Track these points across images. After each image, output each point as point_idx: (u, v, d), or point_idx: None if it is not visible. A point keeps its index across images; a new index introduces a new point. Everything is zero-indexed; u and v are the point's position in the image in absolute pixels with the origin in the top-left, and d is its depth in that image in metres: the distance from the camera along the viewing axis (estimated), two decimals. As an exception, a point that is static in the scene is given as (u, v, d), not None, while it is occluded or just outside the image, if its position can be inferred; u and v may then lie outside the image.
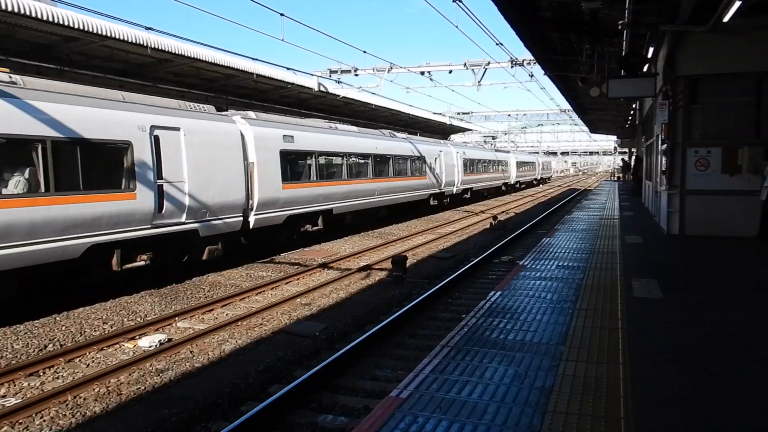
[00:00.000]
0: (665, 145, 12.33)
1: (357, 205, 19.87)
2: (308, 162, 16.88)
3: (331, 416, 5.76)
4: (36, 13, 12.24)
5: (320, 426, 5.56)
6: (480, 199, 37.39)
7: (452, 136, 49.73)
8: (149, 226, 10.88)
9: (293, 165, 16.03)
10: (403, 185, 23.68)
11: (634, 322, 5.85)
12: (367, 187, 20.41)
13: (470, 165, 33.64)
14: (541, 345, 5.16)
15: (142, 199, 10.63)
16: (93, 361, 7.66)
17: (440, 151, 28.20)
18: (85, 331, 8.81)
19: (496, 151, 45.10)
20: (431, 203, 27.46)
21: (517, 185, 50.71)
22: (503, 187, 44.67)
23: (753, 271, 8.90)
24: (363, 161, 20.73)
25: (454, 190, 30.48)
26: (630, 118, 30.71)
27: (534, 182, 61.18)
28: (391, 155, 22.58)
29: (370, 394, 6.24)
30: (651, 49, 13.53)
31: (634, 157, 32.58)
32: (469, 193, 34.12)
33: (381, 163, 21.78)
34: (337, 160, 18.92)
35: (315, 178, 16.95)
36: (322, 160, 17.63)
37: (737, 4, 8.84)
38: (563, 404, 3.91)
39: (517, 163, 49.65)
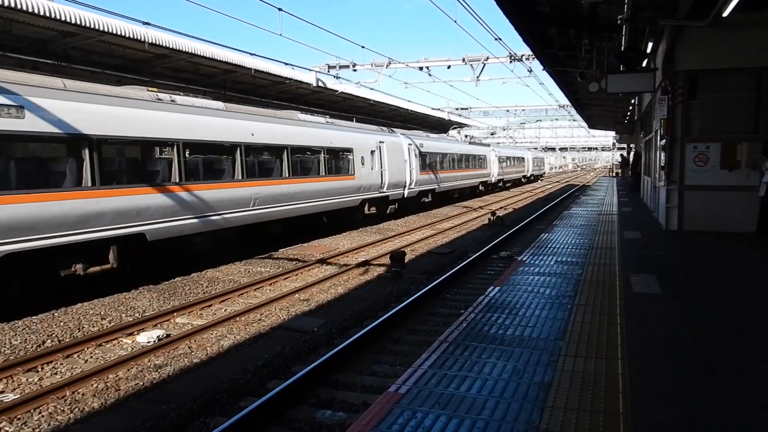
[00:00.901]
0: (664, 141, 12.32)
1: (201, 226, 12.44)
2: None
3: (330, 411, 5.75)
4: (33, 8, 12.18)
5: (319, 421, 5.55)
6: (449, 202, 31.56)
7: (450, 132, 49.66)
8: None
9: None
10: (310, 189, 16.76)
11: (633, 317, 5.85)
12: (226, 195, 13.20)
13: (430, 161, 27.09)
14: (539, 340, 5.16)
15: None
16: (91, 357, 7.65)
17: (380, 142, 21.47)
18: (83, 327, 8.81)
19: (470, 143, 38.18)
20: (366, 212, 21.59)
21: (501, 184, 44.75)
22: (481, 187, 38.30)
23: (751, 267, 8.90)
24: (219, 155, 13.68)
25: (405, 193, 23.82)
26: (629, 113, 30.67)
27: (523, 180, 55.79)
28: (286, 146, 15.76)
29: (369, 390, 6.24)
30: (650, 44, 13.52)
31: (632, 153, 32.53)
32: (429, 196, 28.26)
33: (262, 156, 15.17)
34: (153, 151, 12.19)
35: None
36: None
37: (736, -1, 8.83)
38: (562, 399, 3.91)
39: (499, 158, 43.31)
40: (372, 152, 20.76)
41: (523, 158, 55.08)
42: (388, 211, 22.88)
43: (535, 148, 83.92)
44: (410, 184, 24.13)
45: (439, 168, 28.42)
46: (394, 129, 24.66)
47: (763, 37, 10.92)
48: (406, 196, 23.99)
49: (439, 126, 43.93)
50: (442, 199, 30.62)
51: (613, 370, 4.43)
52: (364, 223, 20.90)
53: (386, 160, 21.72)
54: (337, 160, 18.72)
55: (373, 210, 22.39)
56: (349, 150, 19.28)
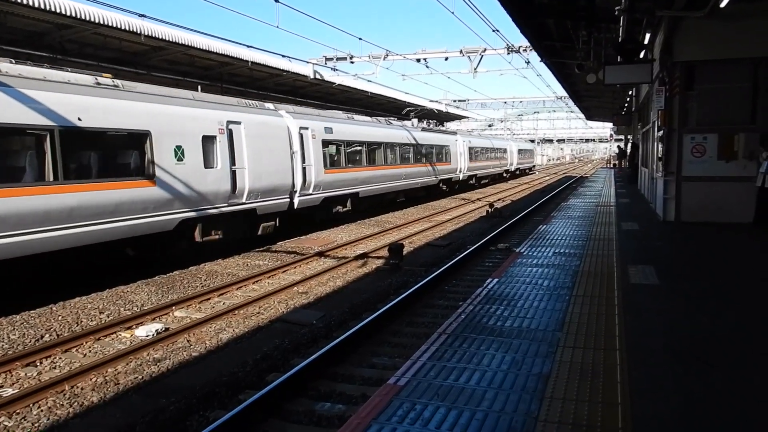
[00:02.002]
0: (661, 132, 12.31)
1: None
2: None
3: (329, 404, 5.77)
4: (28, 0, 12.12)
5: (318, 413, 5.57)
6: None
7: (447, 124, 49.58)
8: None
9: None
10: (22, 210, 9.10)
11: (631, 308, 5.86)
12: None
13: (348, 153, 19.62)
14: (538, 331, 5.17)
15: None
16: (90, 351, 7.65)
17: (231, 123, 13.66)
18: (81, 321, 8.81)
19: (426, 130, 29.02)
20: (200, 238, 12.88)
21: (472, 181, 36.78)
22: (444, 186, 30.39)
23: (749, 257, 8.92)
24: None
25: (296, 201, 16.29)
26: (626, 104, 30.66)
27: (505, 175, 47.81)
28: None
29: (368, 382, 6.26)
30: (647, 35, 13.47)
31: (630, 144, 32.52)
32: (348, 204, 19.62)
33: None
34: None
35: None
36: None
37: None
38: (560, 390, 3.92)
39: (471, 150, 35.50)
40: (207, 139, 12.76)
41: (504, 149, 47.03)
42: (259, 232, 14.81)
43: (532, 141, 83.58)
44: (305, 189, 16.41)
45: (366, 163, 20.97)
46: (277, 106, 16.66)
47: (761, 27, 10.90)
48: (297, 206, 16.15)
49: (436, 118, 43.87)
50: (378, 205, 22.77)
51: (611, 361, 4.44)
52: (361, 216, 20.84)
53: (245, 152, 13.86)
54: (105, 152, 10.68)
55: (217, 236, 13.29)
56: (143, 135, 11.19)
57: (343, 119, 20.35)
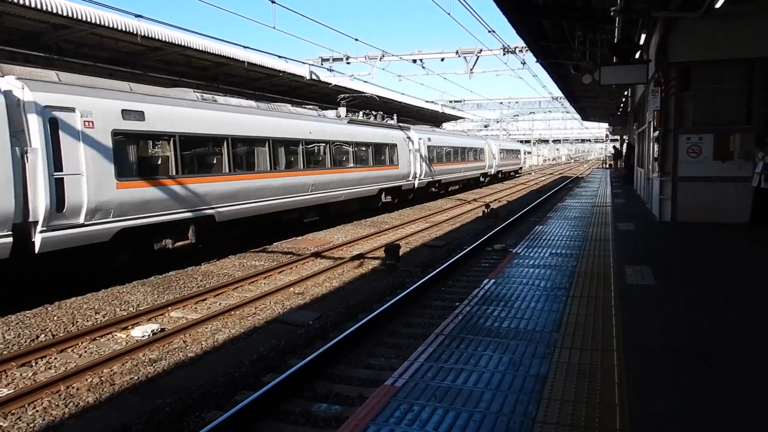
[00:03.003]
0: (657, 132, 12.34)
1: None
2: None
3: (326, 405, 5.75)
4: (24, 0, 12.08)
5: (315, 414, 5.56)
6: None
7: (444, 125, 49.61)
8: None
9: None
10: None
11: (628, 308, 5.87)
12: None
13: (184, 155, 12.39)
14: (535, 332, 5.17)
15: None
16: (85, 352, 7.62)
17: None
18: (77, 321, 8.77)
19: (355, 122, 21.55)
20: None
21: (435, 189, 29.41)
22: (387, 198, 23.48)
23: (745, 257, 8.95)
24: None
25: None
26: (622, 105, 30.73)
27: (482, 179, 40.26)
28: None
29: (365, 383, 6.24)
30: (643, 36, 13.49)
31: (625, 145, 32.60)
32: (175, 236, 12.35)
33: None
34: None
35: None
36: None
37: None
38: (558, 391, 3.92)
39: (432, 150, 28.25)
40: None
41: (481, 149, 39.34)
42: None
43: (524, 141, 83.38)
44: (59, 217, 9.52)
45: (229, 169, 13.60)
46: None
47: (756, 28, 10.93)
48: (40, 249, 9.30)
49: (432, 118, 43.90)
50: (278, 225, 16.50)
51: (608, 361, 4.44)
52: (357, 216, 20.84)
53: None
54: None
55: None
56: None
57: (173, 100, 12.55)
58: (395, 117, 26.90)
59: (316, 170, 17.49)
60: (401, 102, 33.66)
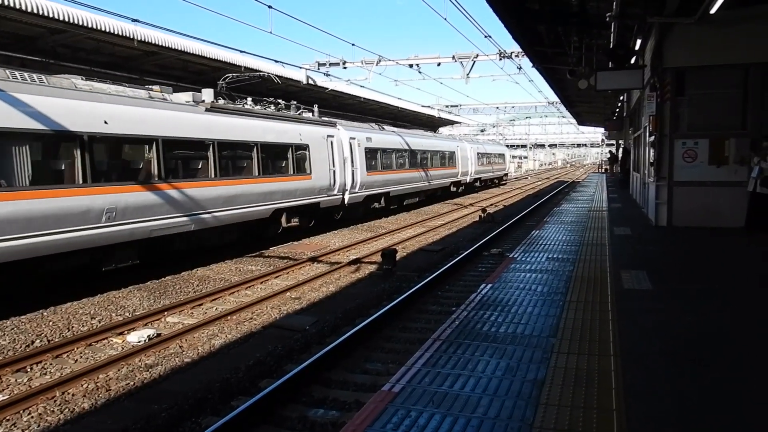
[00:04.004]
0: (653, 137, 12.37)
1: None
2: None
3: (323, 410, 5.74)
4: (20, 5, 12.07)
5: (311, 420, 5.54)
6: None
7: (440, 129, 49.66)
8: None
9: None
10: None
11: (625, 313, 5.87)
12: None
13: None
14: (532, 337, 5.17)
15: None
16: (81, 357, 7.59)
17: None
18: (72, 327, 8.74)
19: (278, 117, 16.78)
20: None
21: (380, 204, 23.07)
22: (291, 221, 16.80)
23: (740, 262, 8.96)
24: None
25: None
26: (617, 110, 30.82)
27: (454, 189, 33.93)
28: None
29: (362, 388, 6.23)
30: (638, 41, 13.57)
31: (621, 149, 32.67)
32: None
33: None
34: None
35: None
36: None
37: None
38: (555, 396, 3.91)
39: (369, 153, 21.62)
40: None
41: (451, 153, 32.72)
42: None
43: (521, 146, 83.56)
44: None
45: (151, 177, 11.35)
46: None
47: (751, 33, 10.99)
48: None
49: (428, 123, 43.96)
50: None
51: (605, 366, 4.44)
52: (354, 221, 20.85)
53: None
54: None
55: None
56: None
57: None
58: (316, 108, 20.11)
59: (118, 185, 10.82)
60: (398, 107, 33.70)
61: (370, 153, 21.80)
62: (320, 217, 18.57)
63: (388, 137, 24.48)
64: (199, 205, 12.69)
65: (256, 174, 14.87)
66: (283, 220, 16.42)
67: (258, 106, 16.59)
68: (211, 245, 14.09)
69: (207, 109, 13.71)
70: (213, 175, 13.23)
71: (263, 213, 15.17)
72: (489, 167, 42.85)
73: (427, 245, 16.13)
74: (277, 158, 16.20)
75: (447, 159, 31.86)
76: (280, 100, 18.31)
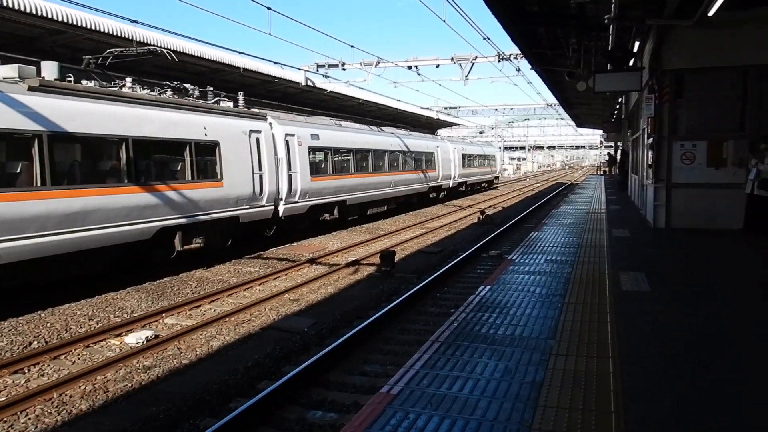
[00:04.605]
0: (651, 139, 12.39)
1: None
2: None
3: (321, 412, 5.73)
4: (19, 5, 12.07)
5: (310, 422, 5.53)
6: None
7: (440, 131, 49.68)
8: None
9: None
10: None
11: (623, 315, 5.87)
12: None
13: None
14: (530, 339, 5.16)
15: None
16: (79, 359, 7.58)
17: None
18: (70, 328, 8.72)
19: (108, 98, 11.09)
20: None
21: (331, 216, 19.02)
22: (180, 243, 12.34)
23: (739, 263, 8.97)
24: None
25: None
26: (616, 112, 30.86)
27: (433, 195, 30.06)
28: None
29: (360, 390, 6.23)
30: (637, 44, 13.58)
31: (620, 151, 32.71)
32: None
33: None
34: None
35: None
36: None
37: (722, -1, 8.89)
38: (554, 398, 3.91)
39: (313, 153, 17.74)
40: None
41: (429, 154, 28.82)
42: None
43: (519, 148, 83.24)
44: None
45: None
46: None
47: (749, 36, 11.01)
48: None
49: (427, 125, 43.99)
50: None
51: (604, 368, 4.44)
52: (352, 223, 20.85)
53: None
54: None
55: None
56: None
57: None
58: (241, 97, 16.32)
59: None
60: (396, 108, 33.72)
61: (318, 153, 18.17)
62: (243, 235, 14.76)
63: (344, 135, 20.39)
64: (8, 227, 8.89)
65: (125, 181, 10.99)
66: (178, 241, 12.33)
67: (146, 91, 12.69)
68: (49, 280, 10.25)
69: (32, 88, 9.75)
70: (39, 183, 9.42)
71: (139, 234, 11.22)
72: (476, 170, 39.27)
73: (425, 247, 16.13)
74: (163, 159, 12.42)
75: (424, 161, 28.02)
76: (186, 84, 14.44)
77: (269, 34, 16.77)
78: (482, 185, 42.37)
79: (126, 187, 11.01)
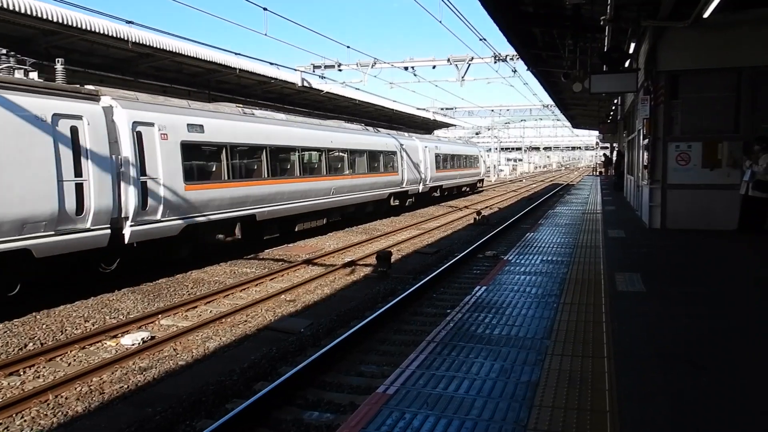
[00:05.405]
0: (647, 140, 12.43)
1: None
2: None
3: (317, 413, 5.73)
4: (13, 5, 12.03)
5: (306, 422, 5.53)
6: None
7: (436, 132, 49.71)
8: None
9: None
10: None
11: (618, 315, 5.89)
12: None
13: None
14: (526, 339, 5.18)
15: None
16: (74, 360, 7.56)
17: None
18: (66, 330, 8.70)
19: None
20: None
21: (237, 235, 14.43)
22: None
23: (733, 264, 9.01)
24: None
25: None
26: (612, 113, 30.95)
27: (394, 202, 25.11)
28: None
29: (356, 390, 6.23)
30: (632, 45, 13.63)
31: (615, 152, 32.79)
32: None
33: None
34: None
35: None
36: None
37: (717, 0, 8.93)
38: (549, 398, 3.92)
39: (187, 150, 12.40)
40: None
41: (391, 153, 24.60)
42: None
43: (515, 149, 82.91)
44: None
45: None
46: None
47: (743, 37, 11.06)
48: None
49: (423, 125, 44.00)
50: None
51: (599, 368, 4.46)
52: (349, 223, 20.84)
53: None
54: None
55: None
56: None
57: None
58: (60, 66, 11.12)
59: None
60: (393, 109, 33.73)
61: (201, 151, 13.35)
62: (47, 273, 9.99)
63: (250, 127, 15.05)
64: None
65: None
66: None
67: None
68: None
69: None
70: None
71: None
72: (454, 172, 33.83)
73: (422, 247, 16.14)
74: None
75: (382, 162, 23.67)
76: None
77: (265, 34, 16.71)
78: (463, 189, 36.89)
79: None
